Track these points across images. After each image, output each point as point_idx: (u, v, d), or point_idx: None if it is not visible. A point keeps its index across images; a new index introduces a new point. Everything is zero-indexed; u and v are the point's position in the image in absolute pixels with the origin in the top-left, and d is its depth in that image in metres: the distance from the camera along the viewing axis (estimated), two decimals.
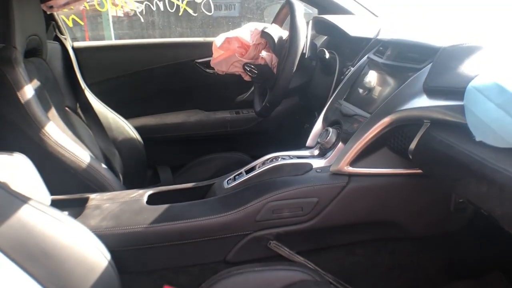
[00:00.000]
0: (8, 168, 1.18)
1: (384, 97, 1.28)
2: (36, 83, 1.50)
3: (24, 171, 1.27)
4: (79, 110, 1.91)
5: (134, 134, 2.06)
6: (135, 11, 4.06)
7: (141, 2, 3.85)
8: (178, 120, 2.38)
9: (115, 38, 4.04)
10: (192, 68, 2.32)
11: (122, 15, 4.28)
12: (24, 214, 0.88)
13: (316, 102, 1.73)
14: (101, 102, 2.01)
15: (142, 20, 4.09)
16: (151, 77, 2.33)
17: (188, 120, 2.39)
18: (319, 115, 1.64)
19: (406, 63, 1.27)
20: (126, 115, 2.10)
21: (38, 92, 1.45)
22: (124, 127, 2.03)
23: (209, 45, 2.35)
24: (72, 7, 2.11)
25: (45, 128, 1.38)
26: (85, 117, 1.90)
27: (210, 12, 3.82)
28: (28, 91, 1.37)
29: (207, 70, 2.30)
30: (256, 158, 1.92)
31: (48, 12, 1.99)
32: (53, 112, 1.53)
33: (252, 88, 2.21)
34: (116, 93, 2.24)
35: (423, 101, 1.08)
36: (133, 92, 2.34)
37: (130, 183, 1.78)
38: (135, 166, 2.02)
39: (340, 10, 2.01)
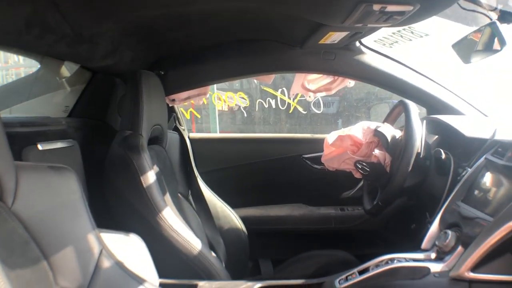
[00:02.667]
0: (123, 248, 1.23)
1: (505, 200, 1.21)
2: (156, 169, 1.61)
3: (137, 251, 1.32)
4: (190, 197, 1.99)
5: (240, 224, 2.09)
6: (239, 106, 4.28)
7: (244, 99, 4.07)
8: (282, 213, 2.39)
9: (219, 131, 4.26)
10: (299, 163, 2.36)
11: (227, 109, 4.50)
12: None
13: (429, 203, 1.67)
14: (211, 191, 2.09)
15: (245, 115, 4.27)
16: (259, 169, 2.40)
17: (292, 214, 2.39)
18: (431, 215, 1.59)
19: None
20: (232, 205, 2.15)
21: (158, 177, 1.54)
22: (230, 216, 2.07)
23: (316, 141, 2.42)
24: (192, 101, 2.28)
25: (162, 212, 1.44)
26: (195, 204, 1.98)
27: (320, 110, 3.94)
28: (150, 176, 1.46)
29: (314, 166, 2.32)
30: (360, 258, 1.85)
31: (170, 105, 2.16)
32: (168, 198, 1.61)
33: (358, 186, 2.18)
34: (224, 183, 2.31)
35: None
36: (240, 183, 2.41)
37: (231, 274, 1.77)
38: (237, 256, 2.03)
39: (449, 110, 1.97)
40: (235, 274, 1.80)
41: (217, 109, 4.10)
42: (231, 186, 2.35)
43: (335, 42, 1.80)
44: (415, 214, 1.96)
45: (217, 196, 2.09)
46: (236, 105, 4.19)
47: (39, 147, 1.34)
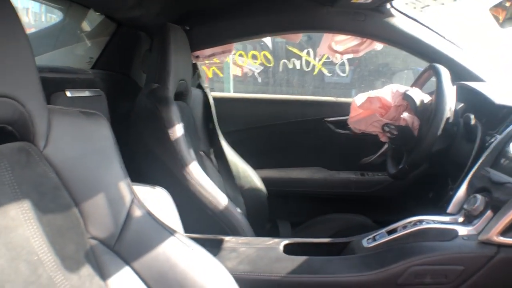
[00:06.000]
0: (149, 200, 1.22)
1: None
2: (181, 124, 1.59)
3: (163, 205, 1.32)
4: (212, 156, 1.98)
5: (260, 184, 2.08)
6: (253, 71, 4.21)
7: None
8: (302, 176, 2.38)
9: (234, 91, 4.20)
10: (320, 126, 2.33)
11: (240, 74, 4.43)
12: (170, 247, 0.88)
13: (452, 169, 1.65)
14: (233, 150, 2.07)
15: (259, 81, 4.20)
16: (280, 131, 2.38)
17: (312, 177, 2.38)
18: (453, 182, 1.57)
19: None
20: (253, 166, 2.14)
21: (184, 132, 1.53)
22: (251, 176, 2.06)
23: (340, 104, 2.39)
24: (215, 59, 2.24)
25: (189, 166, 1.44)
26: (217, 163, 1.97)
27: (345, 73, 3.88)
28: (178, 130, 1.45)
29: (337, 130, 2.29)
30: (378, 223, 1.85)
31: (194, 62, 2.13)
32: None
33: (380, 152, 2.15)
34: (245, 144, 2.30)
35: None
36: (261, 144, 2.39)
37: None
38: (256, 216, 2.03)
39: (473, 78, 1.93)
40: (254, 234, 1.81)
41: (231, 70, 4.03)
42: (252, 147, 2.33)
43: (368, 1, 1.74)
44: (435, 181, 1.95)
45: (238, 155, 2.08)
46: (250, 69, 4.14)
47: (68, 93, 1.32)
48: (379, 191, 2.36)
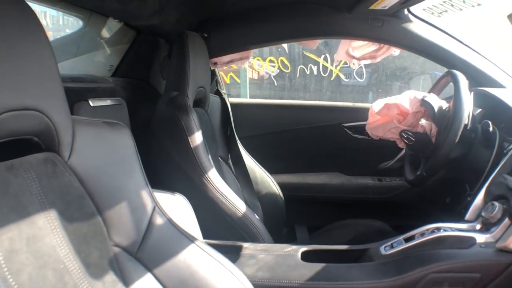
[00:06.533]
0: (170, 207, 1.24)
1: None
2: (200, 131, 1.61)
3: (183, 212, 1.34)
4: (229, 161, 2.00)
5: (278, 190, 2.09)
6: (269, 74, 4.21)
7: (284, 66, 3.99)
8: (319, 181, 2.38)
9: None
10: (338, 131, 2.34)
11: (257, 78, 4.43)
12: (190, 254, 0.90)
13: (470, 175, 1.64)
14: (250, 156, 2.09)
15: (276, 84, 4.20)
16: (297, 136, 2.39)
17: (329, 182, 2.38)
18: (471, 188, 1.58)
19: None
20: (270, 171, 2.15)
21: (203, 139, 1.55)
22: (268, 182, 2.07)
23: (357, 109, 2.39)
24: (233, 65, 2.26)
25: (208, 173, 1.45)
26: (235, 168, 1.98)
27: (362, 78, 3.86)
28: (197, 137, 1.47)
29: (354, 135, 2.30)
30: (396, 229, 1.84)
31: (212, 68, 2.15)
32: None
33: (397, 157, 2.15)
34: (262, 149, 2.31)
35: None
36: (278, 149, 2.40)
37: None
38: (274, 221, 2.04)
39: (493, 84, 1.91)
40: (271, 240, 1.83)
41: (248, 75, 4.03)
42: (269, 152, 2.35)
43: (386, 8, 1.74)
44: (452, 187, 1.94)
45: (255, 161, 2.09)
46: (266, 73, 4.13)
47: (90, 103, 1.35)
48: (396, 197, 2.35)
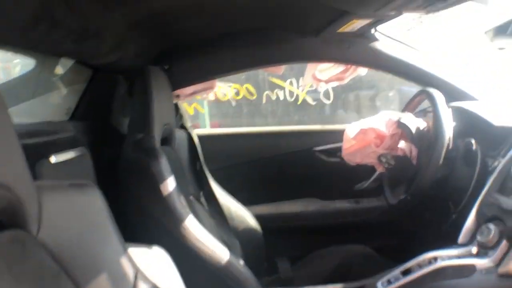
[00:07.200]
0: (148, 263, 1.14)
1: None
2: (172, 176, 1.50)
3: (162, 266, 1.23)
4: (202, 198, 1.90)
5: (254, 223, 2.01)
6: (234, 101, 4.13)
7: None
8: (295, 210, 2.32)
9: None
10: (310, 156, 2.28)
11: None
12: None
13: (454, 192, 1.62)
14: (223, 190, 2.00)
15: (233, 104, 4.12)
16: (270, 164, 2.32)
17: (305, 209, 2.32)
18: (455, 206, 1.57)
19: None
20: (244, 203, 2.07)
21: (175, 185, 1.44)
22: (244, 216, 1.99)
23: (328, 132, 2.34)
24: (198, 96, 2.17)
25: (185, 222, 1.35)
26: (208, 206, 1.89)
27: (329, 100, 3.84)
28: (169, 184, 1.36)
29: (328, 159, 2.25)
30: (378, 250, 1.78)
31: (175, 101, 2.05)
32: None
33: (373, 177, 2.11)
34: (234, 180, 2.23)
35: None
36: (251, 179, 2.32)
37: None
38: (254, 256, 1.95)
39: (464, 97, 1.90)
40: (253, 274, 1.74)
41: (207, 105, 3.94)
42: (242, 183, 2.26)
43: (354, 30, 1.70)
44: (432, 204, 1.91)
45: (229, 195, 2.00)
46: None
47: (52, 160, 1.22)
48: (376, 217, 2.31)
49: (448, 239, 1.43)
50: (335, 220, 2.31)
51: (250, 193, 2.23)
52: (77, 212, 0.82)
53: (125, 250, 0.90)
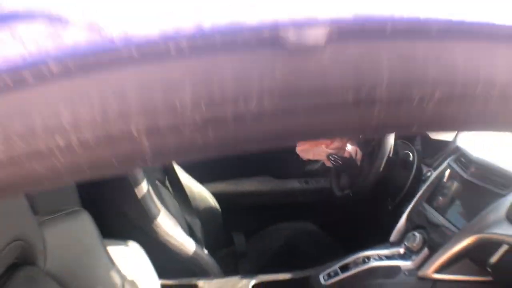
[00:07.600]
0: (124, 256, 1.32)
1: (467, 213, 1.42)
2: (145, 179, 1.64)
3: (137, 259, 1.42)
4: (167, 183, 2.06)
5: (214, 202, 2.19)
6: None
7: None
8: (252, 188, 2.51)
9: None
10: None
11: None
12: None
13: (392, 188, 1.85)
14: (185, 172, 2.16)
15: None
16: None
17: (261, 188, 2.51)
18: (392, 200, 1.82)
19: (491, 186, 1.36)
20: (202, 179, 2.25)
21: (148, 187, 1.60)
22: (206, 196, 2.16)
23: None
24: None
25: (158, 219, 1.53)
26: (173, 189, 2.05)
27: None
28: (143, 186, 1.53)
29: None
30: (323, 227, 2.13)
31: None
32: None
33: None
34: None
35: (506, 228, 1.17)
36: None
37: (207, 248, 1.91)
38: (213, 233, 2.15)
39: None
40: (212, 248, 1.96)
41: None
42: (200, 161, 2.39)
43: None
44: (374, 198, 2.15)
45: (191, 177, 2.17)
46: None
47: None
48: (322, 197, 2.53)
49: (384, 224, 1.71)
50: (286, 199, 2.53)
51: (208, 170, 2.36)
52: (74, 238, 0.99)
53: (113, 265, 1.09)
